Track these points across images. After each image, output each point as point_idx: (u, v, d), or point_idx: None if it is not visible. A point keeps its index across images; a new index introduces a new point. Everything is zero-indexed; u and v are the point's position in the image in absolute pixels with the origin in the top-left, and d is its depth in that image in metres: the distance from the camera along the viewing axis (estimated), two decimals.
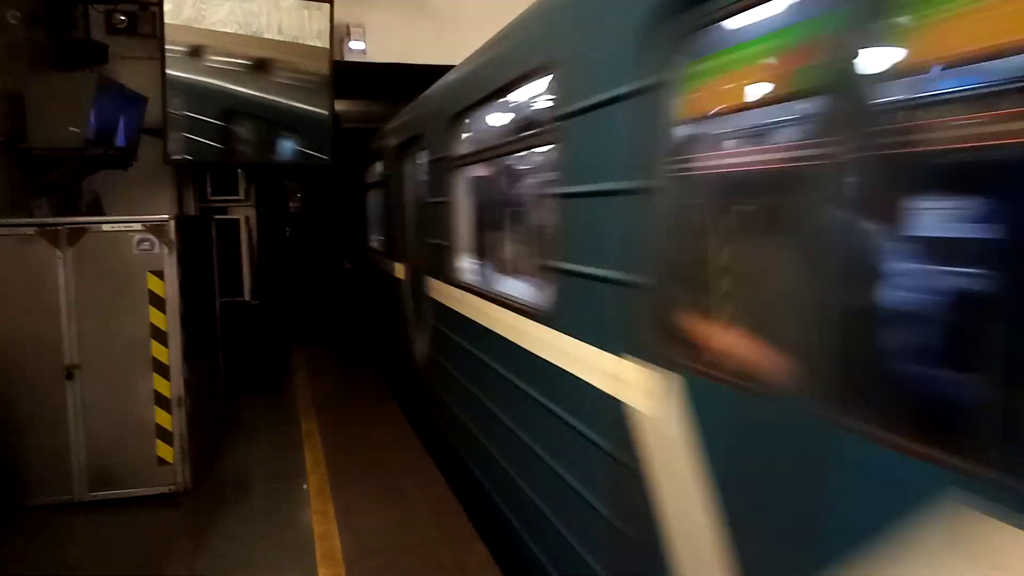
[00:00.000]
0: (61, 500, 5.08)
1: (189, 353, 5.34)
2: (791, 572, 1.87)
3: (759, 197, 2.39)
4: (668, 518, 2.43)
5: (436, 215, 5.64)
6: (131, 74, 8.05)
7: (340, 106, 10.28)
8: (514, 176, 4.68)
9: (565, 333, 3.23)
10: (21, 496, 5.01)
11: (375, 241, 9.76)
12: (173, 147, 8.28)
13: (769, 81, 2.28)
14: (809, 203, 1.88)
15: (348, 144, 11.47)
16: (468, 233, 5.29)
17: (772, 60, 2.22)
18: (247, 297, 9.73)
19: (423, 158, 6.25)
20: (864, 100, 1.74)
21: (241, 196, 9.78)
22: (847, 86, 1.77)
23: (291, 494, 5.39)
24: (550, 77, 3.45)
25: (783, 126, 2.32)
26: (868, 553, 1.61)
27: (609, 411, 2.78)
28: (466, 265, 5.22)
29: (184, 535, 4.72)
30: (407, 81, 9.41)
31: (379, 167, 8.99)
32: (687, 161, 2.50)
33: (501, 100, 4.40)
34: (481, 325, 4.53)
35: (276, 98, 8.59)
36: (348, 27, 9.02)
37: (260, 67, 8.48)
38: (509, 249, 4.79)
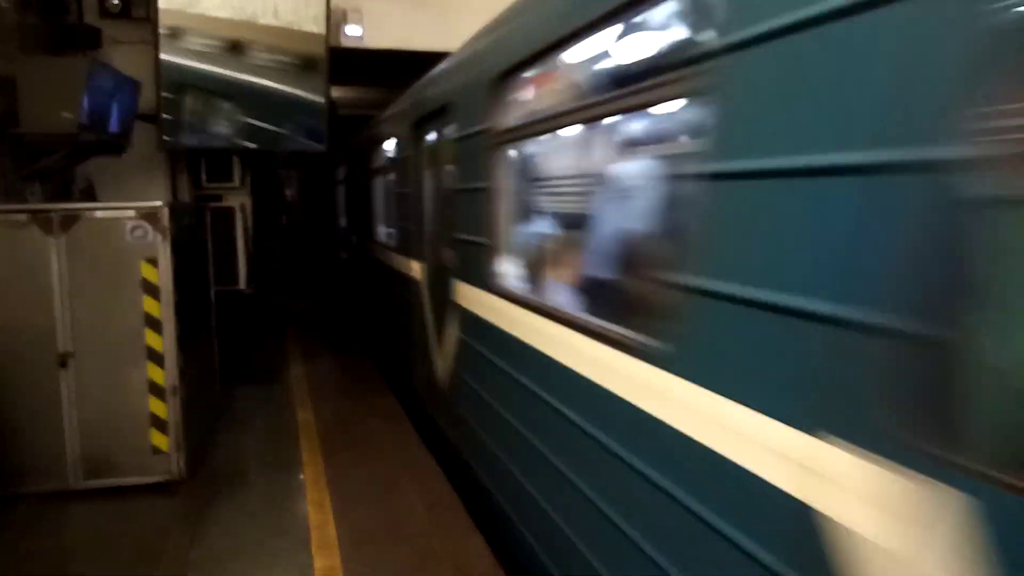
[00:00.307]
0: (56, 488, 5.05)
1: (184, 341, 5.30)
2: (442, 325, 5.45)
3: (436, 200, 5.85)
4: (426, 321, 6.09)
5: (367, 203, 9.68)
6: (125, 59, 7.96)
7: (336, 92, 10.20)
8: (393, 184, 7.89)
9: (402, 255, 7.06)
10: (15, 484, 4.98)
11: (342, 222, 14.04)
12: (167, 133, 8.21)
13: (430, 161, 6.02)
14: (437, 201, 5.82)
15: (345, 130, 11.41)
16: (381, 213, 9.01)
17: (431, 156, 5.97)
18: (242, 286, 9.68)
19: (361, 167, 10.24)
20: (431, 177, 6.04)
21: (236, 183, 9.71)
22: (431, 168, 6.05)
23: (287, 484, 5.37)
24: (394, 141, 7.59)
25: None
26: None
27: (413, 287, 6.47)
28: (380, 231, 8.90)
29: (179, 524, 4.70)
30: (404, 67, 9.33)
31: (343, 170, 13.35)
32: (423, 182, 6.09)
33: (382, 147, 8.58)
34: (380, 261, 8.39)
35: (271, 84, 8.52)
36: (345, 12, 8.93)
37: (255, 53, 8.39)
38: (394, 220, 7.87)
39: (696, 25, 2.44)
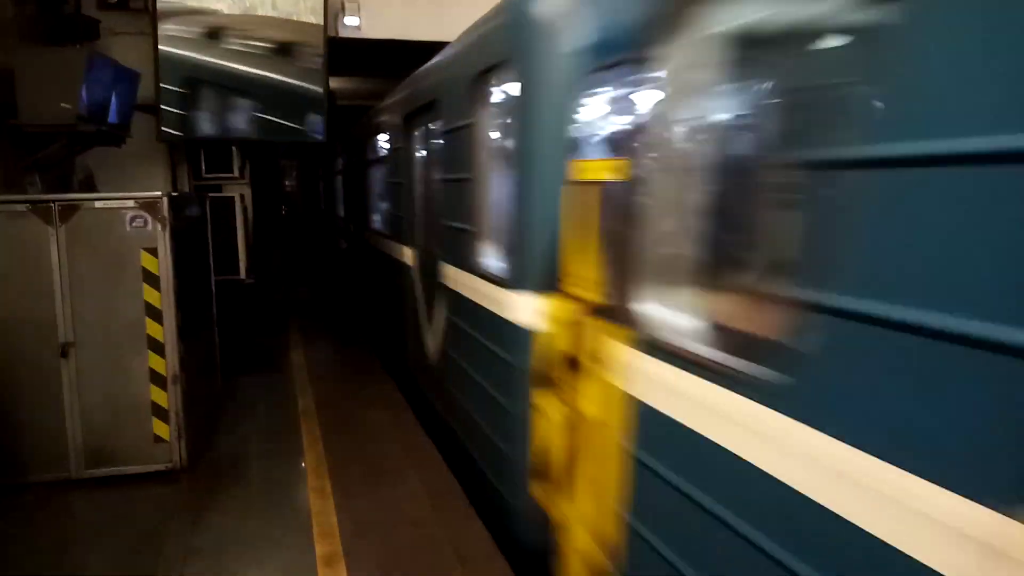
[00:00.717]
0: (58, 478, 5.09)
1: (184, 331, 5.33)
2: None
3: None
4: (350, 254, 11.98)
5: (336, 189, 14.22)
6: (123, 50, 7.94)
7: (335, 83, 10.19)
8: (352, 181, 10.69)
9: (349, 223, 12.07)
10: (19, 474, 5.03)
11: (325, 203, 17.87)
12: (166, 124, 8.21)
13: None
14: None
15: (344, 121, 11.40)
16: (348, 199, 12.44)
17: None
18: (243, 275, 9.70)
19: (337, 164, 13.99)
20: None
21: (235, 174, 9.72)
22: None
23: (288, 471, 5.42)
24: (338, 156, 13.93)
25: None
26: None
27: (355, 238, 11.24)
28: (341, 208, 13.02)
29: (181, 512, 4.75)
30: (402, 57, 9.32)
31: (333, 161, 16.03)
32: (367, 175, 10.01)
33: (349, 150, 11.85)
34: (348, 231, 12.02)
35: (270, 75, 8.51)
36: (343, 2, 8.91)
37: (253, 43, 8.38)
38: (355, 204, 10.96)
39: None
